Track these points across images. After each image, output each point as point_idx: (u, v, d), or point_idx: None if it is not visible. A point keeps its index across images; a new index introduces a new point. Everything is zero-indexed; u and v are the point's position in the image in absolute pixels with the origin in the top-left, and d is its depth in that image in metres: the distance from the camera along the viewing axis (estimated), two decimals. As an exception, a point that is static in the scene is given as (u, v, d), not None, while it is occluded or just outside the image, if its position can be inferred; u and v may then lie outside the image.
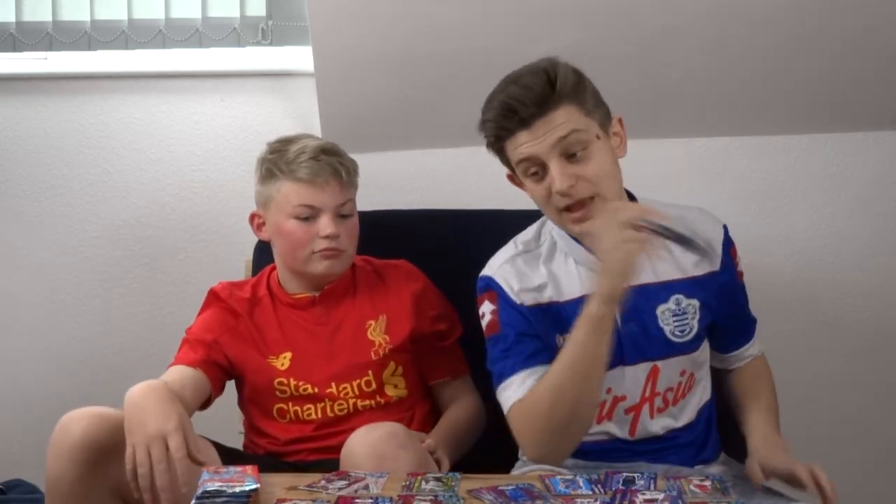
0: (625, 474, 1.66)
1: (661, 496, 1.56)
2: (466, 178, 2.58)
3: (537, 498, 1.57)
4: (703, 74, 2.41)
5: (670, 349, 1.85)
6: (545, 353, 1.79)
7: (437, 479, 1.62)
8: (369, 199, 2.17)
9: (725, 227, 1.92)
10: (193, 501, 1.49)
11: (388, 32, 2.33)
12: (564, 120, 1.73)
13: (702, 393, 1.93)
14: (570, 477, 1.66)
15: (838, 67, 2.41)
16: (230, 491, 1.51)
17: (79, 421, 1.75)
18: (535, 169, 1.76)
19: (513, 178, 1.85)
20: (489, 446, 1.99)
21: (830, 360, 2.61)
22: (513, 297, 1.84)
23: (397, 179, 2.55)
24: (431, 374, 2.11)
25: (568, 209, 1.76)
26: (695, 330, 1.86)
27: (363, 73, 2.41)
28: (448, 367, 2.11)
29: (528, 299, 1.84)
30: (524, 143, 1.75)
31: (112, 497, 1.77)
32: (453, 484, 1.61)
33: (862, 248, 2.59)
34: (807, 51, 2.37)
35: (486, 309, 1.86)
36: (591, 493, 1.59)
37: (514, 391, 1.79)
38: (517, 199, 2.38)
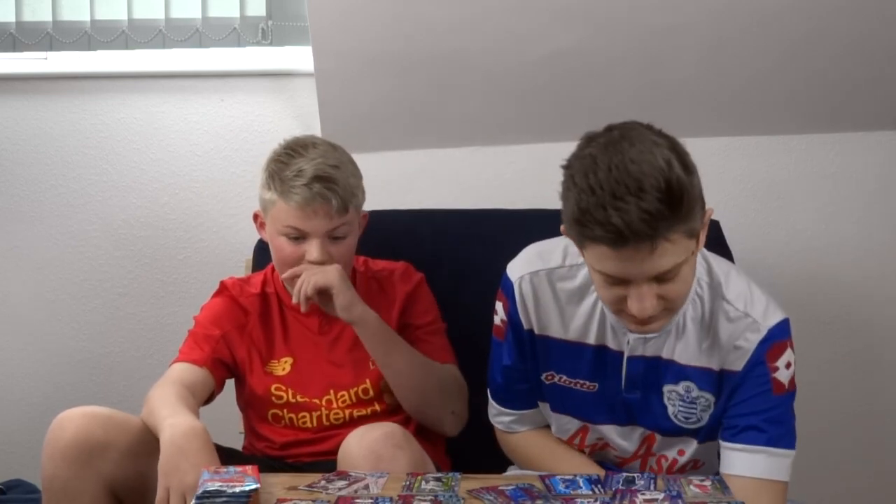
0: (625, 474, 1.66)
1: (661, 496, 1.56)
2: (467, 178, 2.58)
3: (537, 498, 1.57)
4: (703, 74, 2.41)
5: (670, 427, 1.76)
6: (523, 399, 1.88)
7: (437, 479, 1.62)
8: (369, 199, 2.16)
9: (774, 330, 1.66)
10: (193, 501, 1.49)
11: (388, 32, 2.33)
12: (671, 251, 1.50)
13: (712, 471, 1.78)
14: (570, 477, 1.66)
15: (838, 68, 2.41)
16: (230, 491, 1.51)
17: (72, 420, 1.75)
18: (614, 281, 1.56)
19: (567, 232, 1.61)
20: (489, 446, 1.99)
21: (830, 360, 2.61)
22: (521, 316, 1.80)
23: (397, 179, 2.55)
24: None
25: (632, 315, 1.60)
26: (703, 422, 1.74)
27: (363, 73, 2.41)
28: (431, 356, 2.05)
29: (535, 326, 1.80)
30: (615, 260, 1.51)
31: (106, 494, 1.77)
32: (453, 484, 1.61)
33: (862, 248, 2.59)
34: (807, 51, 2.37)
35: (499, 310, 1.84)
36: (591, 493, 1.59)
37: (498, 417, 1.92)
38: (517, 199, 2.39)
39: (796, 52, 2.37)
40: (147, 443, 1.77)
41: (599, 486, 1.61)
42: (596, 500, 1.56)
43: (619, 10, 2.27)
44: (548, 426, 1.91)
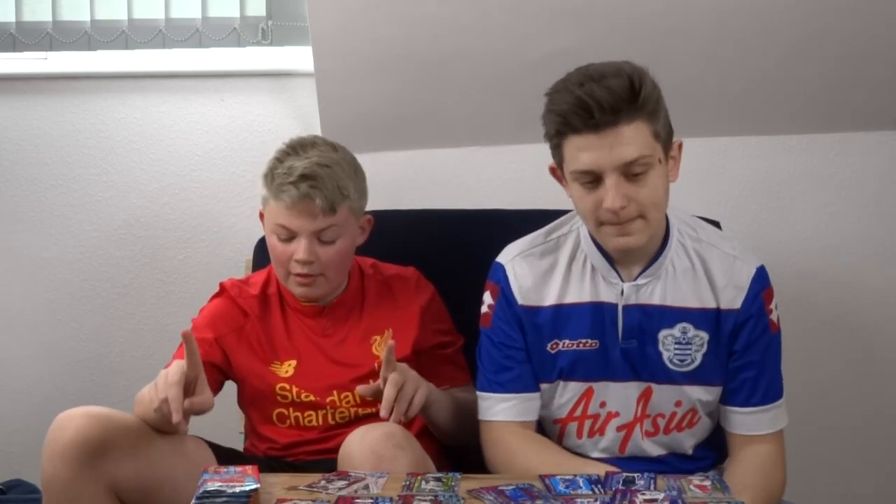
0: (625, 474, 1.66)
1: (661, 496, 1.56)
2: (466, 178, 2.58)
3: (537, 498, 1.57)
4: (703, 74, 2.41)
5: (665, 375, 1.83)
6: (523, 379, 1.87)
7: (437, 479, 1.63)
8: (369, 199, 2.16)
9: (760, 269, 1.84)
10: (193, 501, 1.49)
11: (388, 32, 2.33)
12: (635, 139, 1.68)
13: (703, 434, 1.90)
14: (570, 477, 1.66)
15: (839, 68, 2.41)
16: (230, 491, 1.51)
17: (72, 420, 1.75)
18: (590, 179, 1.71)
19: (555, 171, 1.81)
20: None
21: (830, 360, 2.61)
22: (516, 294, 1.86)
23: (397, 179, 2.55)
24: (432, 382, 2.08)
25: (610, 223, 1.74)
26: (697, 362, 1.83)
27: (363, 73, 2.41)
28: (449, 376, 2.07)
29: (531, 300, 1.86)
30: (588, 150, 1.69)
31: (107, 496, 1.76)
32: (453, 484, 1.61)
33: (863, 249, 2.59)
34: (807, 51, 2.37)
35: (487, 300, 1.91)
36: (591, 493, 1.59)
37: (493, 409, 1.89)
38: (517, 198, 2.40)
39: (796, 52, 2.37)
40: (148, 443, 1.78)
41: (599, 486, 1.62)
42: (596, 500, 1.56)
43: (619, 11, 2.27)
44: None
